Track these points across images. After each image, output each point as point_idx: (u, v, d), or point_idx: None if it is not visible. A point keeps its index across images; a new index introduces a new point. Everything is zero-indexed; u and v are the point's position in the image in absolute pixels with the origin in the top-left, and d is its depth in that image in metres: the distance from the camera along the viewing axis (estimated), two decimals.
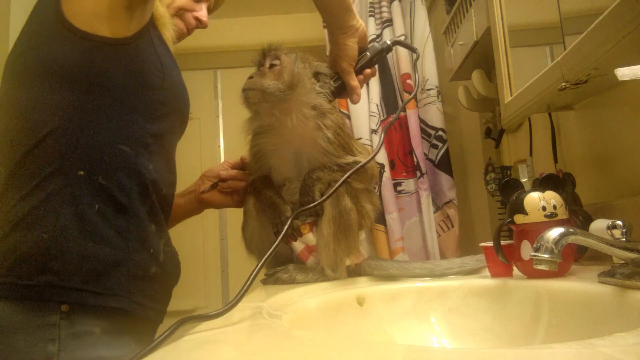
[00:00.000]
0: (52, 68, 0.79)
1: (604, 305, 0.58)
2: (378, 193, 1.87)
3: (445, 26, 1.66)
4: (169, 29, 0.94)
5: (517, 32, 1.09)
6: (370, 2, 2.11)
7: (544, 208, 0.75)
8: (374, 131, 1.97)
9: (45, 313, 0.74)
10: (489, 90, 1.45)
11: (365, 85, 1.04)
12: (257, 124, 1.02)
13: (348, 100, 2.01)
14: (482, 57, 1.42)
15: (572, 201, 0.92)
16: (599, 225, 0.61)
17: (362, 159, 1.02)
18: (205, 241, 2.87)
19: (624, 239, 0.58)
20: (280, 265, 1.01)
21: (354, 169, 0.90)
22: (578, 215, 0.87)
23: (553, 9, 0.86)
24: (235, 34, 2.82)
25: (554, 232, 0.56)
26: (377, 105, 2.00)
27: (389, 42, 1.07)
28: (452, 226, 1.92)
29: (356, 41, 0.97)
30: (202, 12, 1.08)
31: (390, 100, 2.04)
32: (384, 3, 2.10)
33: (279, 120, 0.98)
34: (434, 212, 1.94)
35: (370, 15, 2.10)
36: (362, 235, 1.09)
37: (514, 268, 0.80)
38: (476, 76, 1.46)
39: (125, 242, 0.80)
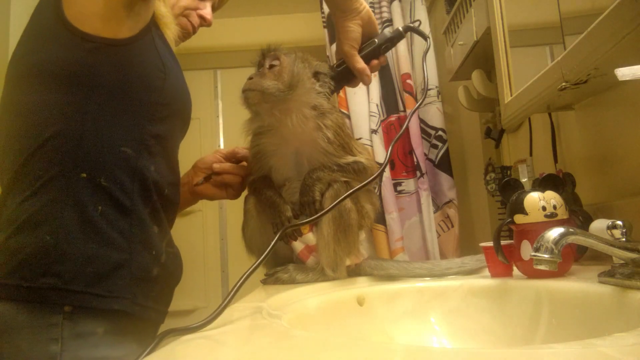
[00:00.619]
0: (54, 70, 0.79)
1: (604, 305, 0.58)
2: (378, 193, 1.87)
3: (445, 26, 1.66)
4: (171, 29, 0.94)
5: (517, 32, 1.09)
6: (370, 2, 2.11)
7: (544, 208, 0.75)
8: (374, 131, 1.97)
9: (48, 313, 0.74)
10: (489, 90, 1.45)
11: (372, 77, 1.00)
12: (257, 125, 1.02)
13: (348, 100, 2.03)
14: (482, 57, 1.42)
15: (572, 201, 0.92)
16: (599, 225, 0.61)
17: (362, 159, 1.02)
18: (205, 241, 2.87)
19: (624, 239, 0.58)
20: (280, 265, 1.01)
21: (361, 185, 0.87)
22: (578, 215, 0.87)
23: (553, 9, 0.86)
24: (235, 34, 2.82)
25: (554, 232, 0.56)
26: (377, 105, 2.00)
27: (400, 29, 1.02)
28: (452, 226, 1.92)
29: (359, 23, 0.95)
30: (206, 10, 1.07)
31: (390, 100, 2.04)
32: (384, 3, 2.10)
33: (279, 121, 0.98)
34: (434, 212, 1.94)
35: None
36: (362, 235, 1.09)
37: (514, 268, 0.80)
38: (476, 76, 1.46)
39: (127, 243, 0.80)
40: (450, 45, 1.64)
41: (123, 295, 0.78)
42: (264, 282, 1.01)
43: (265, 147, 1.03)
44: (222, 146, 3.00)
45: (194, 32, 1.08)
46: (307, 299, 0.78)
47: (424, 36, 1.09)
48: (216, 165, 1.12)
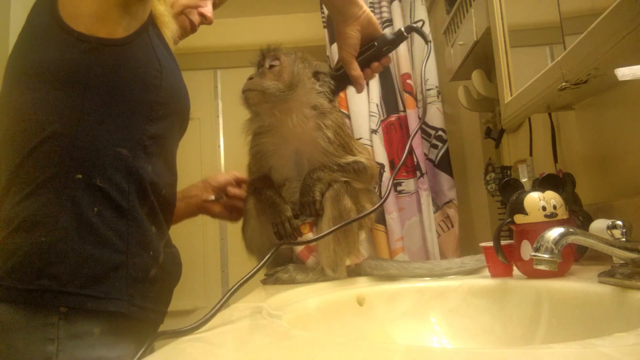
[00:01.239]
0: (50, 70, 0.79)
1: (604, 305, 0.58)
2: (378, 193, 1.87)
3: (445, 26, 1.66)
4: (170, 28, 0.94)
5: (517, 32, 1.09)
6: (370, 2, 2.11)
7: (544, 208, 0.75)
8: (374, 131, 1.97)
9: (44, 314, 0.73)
10: (489, 90, 1.45)
11: (365, 85, 0.99)
12: (257, 125, 1.02)
13: (348, 100, 2.03)
14: (482, 57, 1.42)
15: (572, 201, 0.92)
16: (599, 225, 0.61)
17: (362, 159, 1.02)
18: (205, 241, 2.87)
19: (624, 239, 0.58)
20: (280, 265, 1.01)
21: (372, 210, 0.91)
22: (578, 215, 0.87)
23: (553, 9, 0.86)
24: (235, 34, 2.82)
25: (554, 232, 0.56)
26: (377, 105, 2.00)
27: (402, 29, 1.00)
28: (452, 226, 1.92)
29: (357, 29, 0.94)
30: (207, 8, 1.07)
31: (390, 100, 2.03)
32: (384, 3, 2.10)
33: (279, 121, 0.98)
34: (434, 212, 1.94)
35: None
36: (362, 235, 1.09)
37: (514, 268, 0.80)
38: (476, 76, 1.46)
39: (124, 244, 0.80)
40: (450, 45, 1.63)
41: (119, 297, 0.78)
42: (264, 282, 1.01)
43: (265, 147, 1.03)
44: (222, 146, 3.00)
45: (194, 30, 1.08)
46: (307, 299, 0.78)
47: (425, 38, 1.08)
48: (231, 189, 1.15)
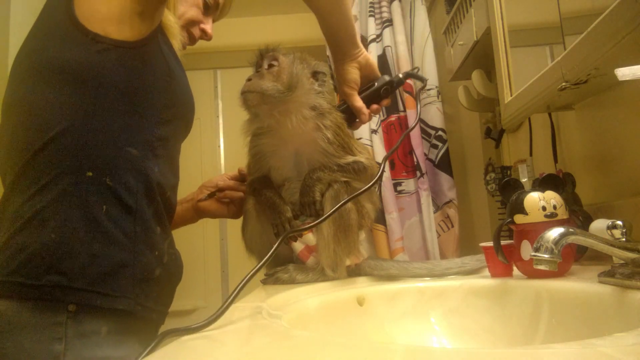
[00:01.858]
0: (63, 69, 0.80)
1: (604, 305, 0.58)
2: (378, 193, 1.87)
3: (445, 26, 1.66)
4: (177, 39, 0.96)
5: (517, 32, 1.09)
6: (370, 2, 2.11)
7: (544, 208, 0.75)
8: (374, 131, 1.97)
9: (52, 312, 0.74)
10: (489, 90, 1.45)
11: (369, 117, 1.06)
12: (257, 126, 1.02)
13: None
14: (482, 57, 1.42)
15: (572, 201, 0.92)
16: (599, 225, 0.61)
17: (362, 159, 1.02)
18: (205, 241, 2.87)
19: (624, 239, 0.58)
20: (280, 265, 1.01)
21: (362, 190, 0.91)
22: (578, 215, 0.87)
23: (553, 9, 0.86)
24: (235, 34, 2.81)
25: (554, 232, 0.56)
26: None
27: (400, 75, 1.07)
28: (452, 226, 1.92)
29: (356, 66, 1.00)
30: (208, 25, 1.10)
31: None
32: (384, 3, 2.10)
33: (278, 122, 0.98)
34: (434, 212, 1.94)
35: (370, 15, 2.10)
36: (362, 235, 1.09)
37: (514, 268, 0.80)
38: (476, 76, 1.46)
39: (131, 243, 0.81)
40: (450, 45, 1.63)
41: (126, 295, 0.79)
42: (264, 282, 1.01)
43: (264, 147, 1.03)
44: (222, 146, 3.00)
45: (193, 43, 1.11)
46: (307, 299, 0.78)
47: (422, 80, 1.16)
48: (220, 182, 1.16)
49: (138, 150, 0.83)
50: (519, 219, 0.77)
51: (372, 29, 2.07)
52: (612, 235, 0.59)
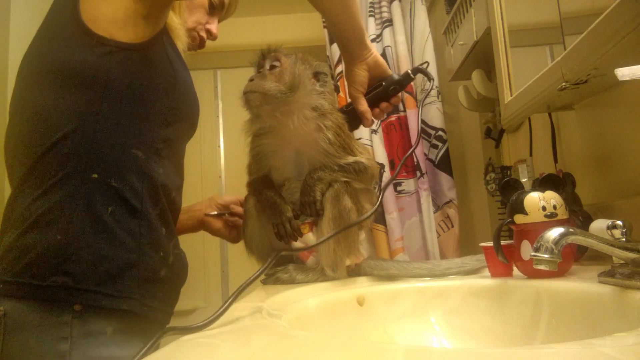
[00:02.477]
0: (68, 71, 0.80)
1: (604, 305, 0.58)
2: (378, 193, 1.87)
3: (445, 26, 1.66)
4: (182, 41, 0.97)
5: (517, 32, 1.09)
6: (370, 2, 2.11)
7: (544, 208, 0.75)
8: (374, 131, 1.97)
9: (58, 312, 0.74)
10: (489, 90, 1.45)
11: (372, 121, 1.06)
12: (258, 126, 1.02)
13: (348, 100, 2.03)
14: (482, 57, 1.42)
15: (572, 201, 0.92)
16: (599, 225, 0.61)
17: (363, 159, 1.02)
18: (205, 241, 2.87)
19: (624, 239, 0.58)
20: (280, 265, 1.01)
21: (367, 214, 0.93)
22: (578, 215, 0.87)
23: (553, 9, 0.86)
24: (235, 34, 2.81)
25: (554, 232, 0.56)
26: None
27: (409, 71, 1.05)
28: (452, 226, 1.92)
29: (364, 68, 0.99)
30: (213, 25, 1.11)
31: None
32: (384, 3, 2.10)
33: (280, 123, 0.98)
34: (434, 212, 1.94)
35: (370, 15, 2.10)
36: (362, 235, 1.09)
37: (514, 268, 0.80)
38: (476, 76, 1.46)
39: (137, 244, 0.81)
40: (450, 45, 1.63)
41: (131, 296, 0.79)
42: (264, 282, 1.01)
43: (265, 148, 1.03)
44: (222, 146, 3.00)
45: (202, 46, 1.12)
46: (307, 299, 0.78)
47: (428, 76, 1.14)
48: (234, 207, 1.19)
49: (143, 152, 0.83)
50: (519, 219, 0.77)
51: (372, 29, 2.07)
52: (612, 235, 0.59)
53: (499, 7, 1.11)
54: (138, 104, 0.84)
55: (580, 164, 1.05)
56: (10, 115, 0.86)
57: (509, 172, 1.35)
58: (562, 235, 0.56)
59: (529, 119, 1.24)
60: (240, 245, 1.10)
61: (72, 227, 0.76)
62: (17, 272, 0.75)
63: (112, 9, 0.81)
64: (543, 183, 0.80)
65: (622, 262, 0.59)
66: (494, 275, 0.82)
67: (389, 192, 1.93)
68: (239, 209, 1.18)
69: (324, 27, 2.16)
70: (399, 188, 1.98)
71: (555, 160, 1.09)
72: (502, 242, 0.77)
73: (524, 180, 0.84)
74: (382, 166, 1.91)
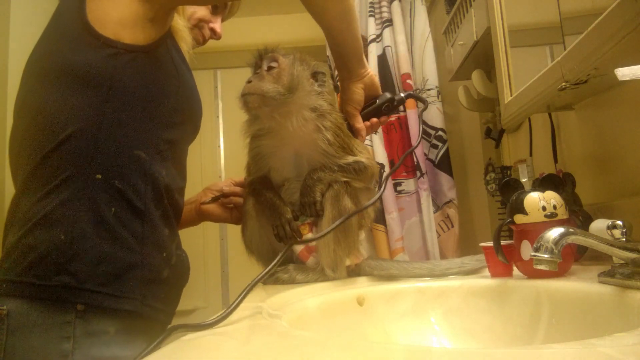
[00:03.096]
0: (74, 72, 0.81)
1: (604, 305, 0.58)
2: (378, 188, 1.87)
3: (445, 26, 1.66)
4: (187, 43, 0.97)
5: (517, 32, 1.09)
6: (370, 2, 2.11)
7: (544, 208, 0.75)
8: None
9: (61, 312, 0.75)
10: (489, 90, 1.45)
11: (365, 137, 1.11)
12: (257, 127, 1.02)
13: None
14: (482, 57, 1.42)
15: (572, 201, 0.92)
16: (599, 225, 0.61)
17: (363, 159, 1.02)
18: (205, 241, 2.87)
19: (624, 239, 0.58)
20: (281, 265, 1.01)
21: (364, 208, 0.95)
22: (578, 215, 0.87)
23: (553, 9, 0.86)
24: (235, 34, 2.81)
25: (554, 232, 0.56)
26: None
27: (402, 95, 1.10)
28: (452, 226, 1.92)
29: (361, 87, 1.02)
30: (217, 24, 1.12)
31: None
32: (384, 3, 2.10)
33: (279, 124, 0.98)
34: (434, 212, 1.94)
35: (370, 15, 2.10)
36: (362, 235, 1.09)
37: (514, 268, 0.80)
38: (476, 76, 1.46)
39: (140, 245, 0.81)
40: (450, 45, 1.63)
41: (134, 296, 0.79)
42: (264, 282, 1.01)
43: (264, 149, 1.03)
44: (221, 146, 3.00)
45: (204, 43, 1.13)
46: (307, 299, 0.78)
47: (423, 102, 1.20)
48: (225, 187, 1.18)
49: (147, 154, 0.84)
50: (519, 219, 0.77)
51: (372, 29, 2.07)
52: (612, 235, 0.59)
53: (499, 7, 1.11)
54: (142, 105, 0.84)
55: (580, 164, 1.05)
56: (15, 115, 0.86)
57: (509, 172, 1.35)
58: (562, 235, 0.56)
59: (529, 119, 1.24)
60: (240, 245, 1.10)
61: (76, 228, 0.77)
62: (21, 272, 0.75)
63: (118, 10, 0.81)
64: (543, 183, 0.80)
65: (622, 262, 0.59)
66: (494, 275, 0.82)
67: (389, 192, 1.93)
68: (234, 188, 1.17)
69: None
70: (399, 188, 1.98)
71: (555, 160, 1.09)
72: (502, 242, 0.77)
73: (524, 180, 0.84)
74: (382, 166, 1.91)
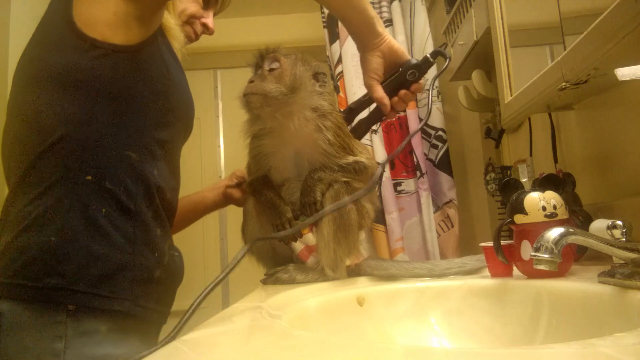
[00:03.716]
0: (62, 74, 0.80)
1: (604, 305, 0.58)
2: (378, 193, 1.87)
3: (445, 26, 1.66)
4: (178, 40, 0.96)
5: (517, 32, 1.09)
6: (370, 2, 2.11)
7: (544, 208, 0.75)
8: (374, 131, 1.97)
9: (53, 312, 0.75)
10: (489, 90, 1.45)
11: (389, 107, 0.97)
12: (258, 127, 1.02)
13: (348, 100, 2.03)
14: (482, 57, 1.42)
15: (572, 201, 0.92)
16: (599, 225, 0.61)
17: (363, 159, 1.02)
18: (205, 241, 2.87)
19: (624, 239, 0.58)
20: (280, 265, 1.01)
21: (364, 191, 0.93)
22: (578, 215, 0.87)
23: (553, 9, 0.86)
24: (235, 34, 2.81)
25: (554, 232, 0.56)
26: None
27: (428, 55, 0.97)
28: (452, 226, 1.92)
29: (378, 55, 0.94)
30: (209, 19, 1.10)
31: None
32: (384, 3, 2.10)
33: (280, 124, 0.98)
34: (434, 212, 1.94)
35: None
36: (362, 235, 1.09)
37: (514, 268, 0.80)
38: (476, 76, 1.46)
39: (131, 245, 0.81)
40: (450, 45, 1.63)
41: (125, 297, 0.79)
42: (264, 282, 1.01)
43: (265, 148, 1.03)
44: (221, 146, 3.00)
45: (196, 39, 1.11)
46: (307, 299, 0.78)
47: (445, 56, 1.02)
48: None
49: (137, 154, 0.83)
50: (519, 219, 0.77)
51: None
52: (612, 235, 0.59)
53: (499, 7, 1.11)
54: (132, 105, 0.84)
55: (580, 164, 1.05)
56: (7, 117, 0.86)
57: (509, 172, 1.35)
58: (562, 235, 0.56)
59: (529, 119, 1.24)
60: (240, 245, 1.10)
61: (66, 229, 0.77)
62: (13, 274, 0.75)
63: (104, 11, 0.81)
64: (543, 183, 0.80)
65: (622, 262, 0.59)
66: (494, 275, 0.82)
67: (389, 192, 1.93)
68: None
69: (324, 27, 2.16)
70: (399, 188, 1.98)
71: (555, 160, 1.09)
72: (502, 242, 0.77)
73: (524, 180, 0.84)
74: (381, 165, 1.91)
